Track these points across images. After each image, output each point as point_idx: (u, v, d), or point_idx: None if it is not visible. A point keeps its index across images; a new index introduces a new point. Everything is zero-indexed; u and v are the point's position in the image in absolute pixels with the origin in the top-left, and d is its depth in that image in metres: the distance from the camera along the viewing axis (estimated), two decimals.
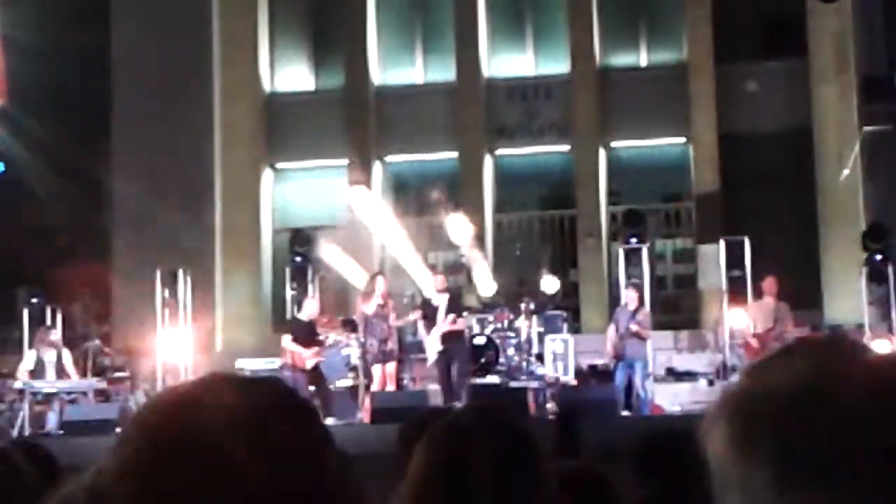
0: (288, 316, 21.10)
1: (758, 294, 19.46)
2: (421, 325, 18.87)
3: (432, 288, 18.89)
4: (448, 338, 18.36)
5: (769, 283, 19.07)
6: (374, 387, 18.19)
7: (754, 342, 18.63)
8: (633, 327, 18.51)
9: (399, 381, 18.93)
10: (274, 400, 1.32)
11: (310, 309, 19.21)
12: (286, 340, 18.67)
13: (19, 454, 3.70)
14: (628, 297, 19.14)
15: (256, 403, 1.30)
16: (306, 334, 18.67)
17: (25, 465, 3.61)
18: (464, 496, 2.46)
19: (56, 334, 20.19)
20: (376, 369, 18.36)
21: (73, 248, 23.06)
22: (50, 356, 19.53)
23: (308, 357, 18.39)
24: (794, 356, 1.35)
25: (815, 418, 1.27)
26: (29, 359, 19.58)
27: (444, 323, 18.43)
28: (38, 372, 19.40)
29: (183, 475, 1.24)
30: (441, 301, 18.67)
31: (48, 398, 19.14)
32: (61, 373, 19.52)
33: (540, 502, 2.54)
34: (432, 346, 18.50)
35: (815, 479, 1.25)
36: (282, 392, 1.35)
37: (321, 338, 19.11)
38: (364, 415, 17.71)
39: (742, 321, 19.24)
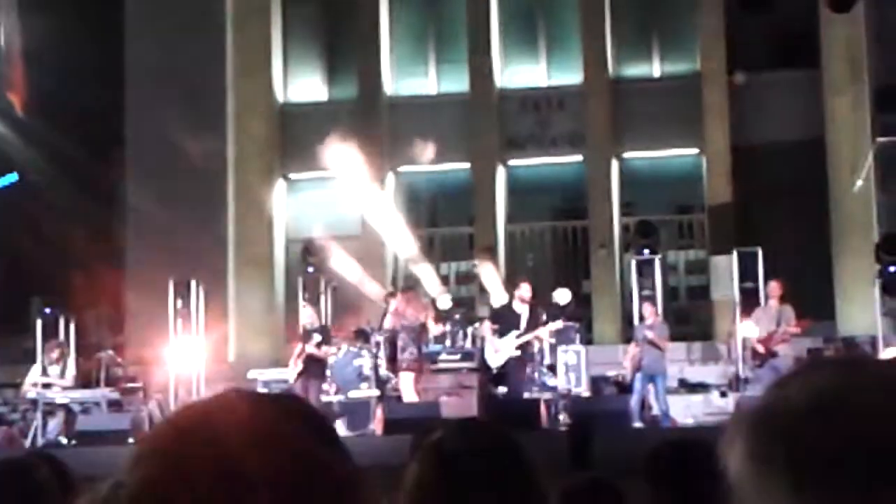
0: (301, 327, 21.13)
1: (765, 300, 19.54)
2: (489, 332, 19.05)
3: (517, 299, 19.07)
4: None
5: (773, 287, 19.18)
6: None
7: (760, 347, 18.65)
8: (649, 334, 18.61)
9: (417, 392, 19.03)
10: (292, 417, 1.32)
11: (305, 317, 19.37)
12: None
13: (42, 465, 3.72)
14: (647, 312, 19.26)
15: (275, 421, 1.30)
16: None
17: (47, 476, 3.63)
18: None
19: (57, 350, 20.18)
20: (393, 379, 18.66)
21: (87, 259, 23.07)
22: (54, 370, 19.61)
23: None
24: (812, 373, 1.37)
25: (830, 433, 1.28)
26: (34, 372, 19.65)
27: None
28: (43, 385, 19.49)
29: (201, 493, 1.23)
30: (523, 311, 18.81)
31: (53, 408, 19.20)
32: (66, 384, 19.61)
33: None
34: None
35: (830, 493, 1.26)
36: (299, 409, 1.34)
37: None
38: (377, 426, 17.73)
39: (752, 331, 19.26)
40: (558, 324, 19.70)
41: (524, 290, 19.12)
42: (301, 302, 21.37)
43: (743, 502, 1.31)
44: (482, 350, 20.27)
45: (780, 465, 1.29)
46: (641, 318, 19.55)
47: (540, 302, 19.61)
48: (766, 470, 1.30)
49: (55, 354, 20.01)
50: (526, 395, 19.17)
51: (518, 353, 18.75)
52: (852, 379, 1.34)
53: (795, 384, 1.35)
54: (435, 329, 19.30)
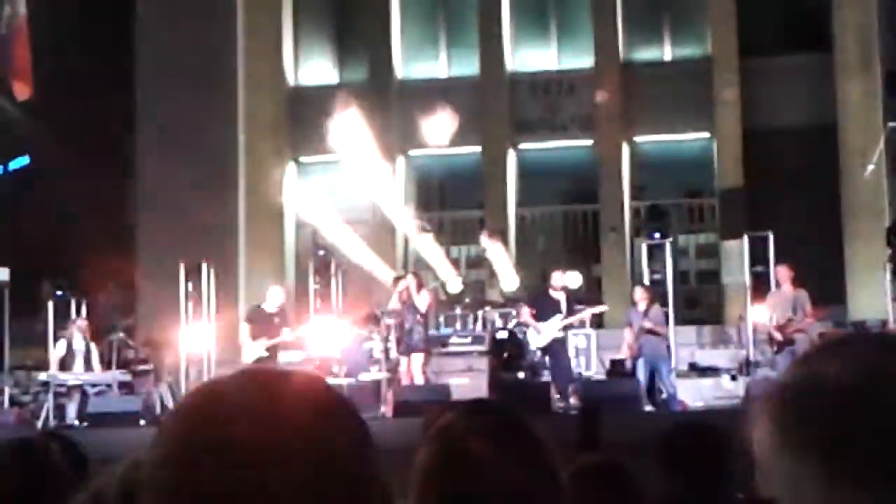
0: (312, 310, 21.18)
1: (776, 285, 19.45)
2: (529, 317, 19.08)
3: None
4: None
5: (782, 271, 18.93)
6: (405, 380, 18.42)
7: (777, 334, 18.50)
8: (646, 324, 18.52)
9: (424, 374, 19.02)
10: (313, 396, 1.31)
11: (275, 298, 19.26)
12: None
13: (54, 445, 3.74)
14: (638, 296, 19.14)
15: (296, 399, 1.29)
16: (266, 324, 18.71)
17: (59, 455, 3.65)
18: (464, 498, 2.44)
19: (82, 322, 20.30)
20: (402, 361, 18.59)
21: (98, 241, 23.11)
22: (79, 343, 19.62)
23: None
24: (843, 350, 1.33)
25: (863, 412, 1.26)
26: (60, 347, 19.69)
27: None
28: (67, 361, 19.51)
29: (221, 470, 1.23)
30: (560, 297, 18.83)
31: (70, 390, 19.23)
32: (87, 364, 19.62)
33: (547, 498, 2.51)
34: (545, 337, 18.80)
35: (862, 473, 1.24)
36: (320, 387, 1.34)
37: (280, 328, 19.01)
38: (387, 408, 17.76)
39: (764, 316, 19.18)
40: (604, 307, 20.21)
41: (558, 278, 19.27)
42: (312, 284, 21.40)
43: (769, 480, 1.29)
44: (494, 333, 20.30)
45: (810, 445, 1.27)
46: (634, 303, 19.44)
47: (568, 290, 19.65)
48: (795, 449, 1.28)
49: (85, 323, 20.13)
50: (536, 378, 19.20)
51: (562, 334, 18.86)
52: (887, 359, 1.30)
53: (826, 361, 1.31)
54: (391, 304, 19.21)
